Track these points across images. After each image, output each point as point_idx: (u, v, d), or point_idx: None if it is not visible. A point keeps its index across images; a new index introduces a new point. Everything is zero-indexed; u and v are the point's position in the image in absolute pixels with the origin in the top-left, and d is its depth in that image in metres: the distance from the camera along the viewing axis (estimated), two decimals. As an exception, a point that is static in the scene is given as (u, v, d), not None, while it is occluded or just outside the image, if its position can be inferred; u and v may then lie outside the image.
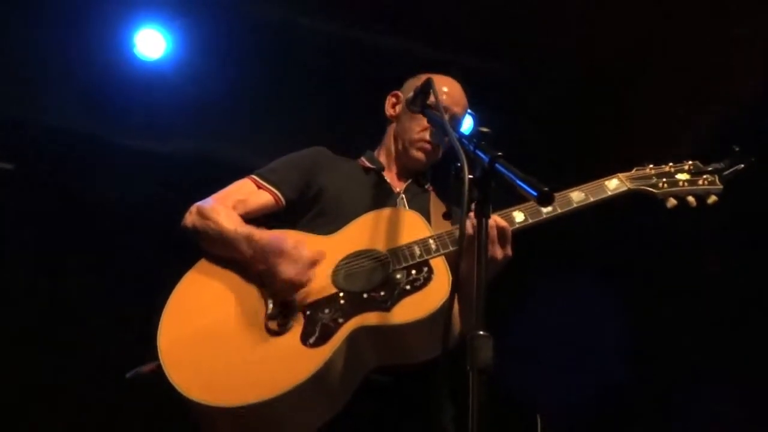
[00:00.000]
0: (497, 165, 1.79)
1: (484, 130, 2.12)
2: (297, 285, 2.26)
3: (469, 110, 2.91)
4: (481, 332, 1.64)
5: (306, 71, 4.82)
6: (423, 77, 2.73)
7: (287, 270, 2.25)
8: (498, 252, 2.24)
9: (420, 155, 2.78)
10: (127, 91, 4.65)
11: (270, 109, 4.87)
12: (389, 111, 2.91)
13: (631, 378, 5.18)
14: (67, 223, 4.75)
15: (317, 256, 2.30)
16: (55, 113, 4.73)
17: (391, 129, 2.88)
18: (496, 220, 2.28)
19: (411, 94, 2.55)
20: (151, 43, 4.61)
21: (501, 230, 2.26)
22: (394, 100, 2.91)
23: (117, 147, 4.83)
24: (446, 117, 2.38)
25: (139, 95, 4.67)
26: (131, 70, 4.65)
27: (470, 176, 1.79)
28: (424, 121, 2.69)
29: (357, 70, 4.72)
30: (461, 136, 2.00)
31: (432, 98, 2.42)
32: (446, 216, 2.34)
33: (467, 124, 4.25)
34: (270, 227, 2.48)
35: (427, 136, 2.75)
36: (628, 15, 4.39)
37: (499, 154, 1.81)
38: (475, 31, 4.64)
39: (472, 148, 1.88)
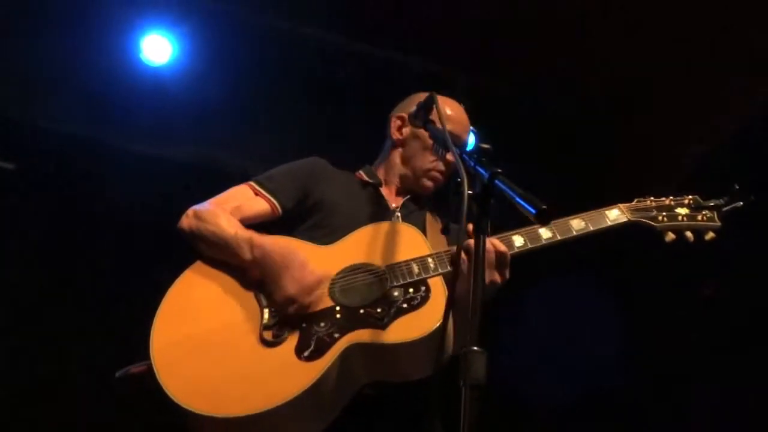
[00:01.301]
0: (497, 181, 1.79)
1: (485, 146, 2.13)
2: (297, 305, 2.23)
3: (471, 127, 2.91)
4: (475, 348, 1.64)
5: (309, 80, 4.85)
6: (424, 95, 2.76)
7: (291, 287, 2.23)
8: (496, 276, 2.23)
9: (430, 185, 2.75)
10: (132, 96, 4.66)
11: (273, 117, 4.89)
12: (395, 134, 2.80)
13: (627, 380, 5.17)
14: (69, 225, 4.75)
15: (321, 280, 2.28)
16: (60, 116, 4.74)
17: (397, 152, 2.80)
18: (495, 244, 2.26)
19: (413, 109, 2.54)
20: (158, 48, 4.62)
21: (500, 255, 2.24)
22: (399, 122, 2.81)
23: (121, 151, 4.83)
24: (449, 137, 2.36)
25: (144, 100, 4.68)
26: (137, 75, 4.66)
27: (469, 192, 1.78)
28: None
29: (360, 81, 4.75)
30: (462, 151, 2.00)
31: (434, 113, 2.42)
32: (443, 232, 2.35)
33: (469, 141, 4.29)
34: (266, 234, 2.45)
35: (440, 166, 2.72)
36: (628, 44, 4.43)
37: (499, 170, 1.81)
38: (475, 50, 4.67)
39: (472, 163, 1.88)
